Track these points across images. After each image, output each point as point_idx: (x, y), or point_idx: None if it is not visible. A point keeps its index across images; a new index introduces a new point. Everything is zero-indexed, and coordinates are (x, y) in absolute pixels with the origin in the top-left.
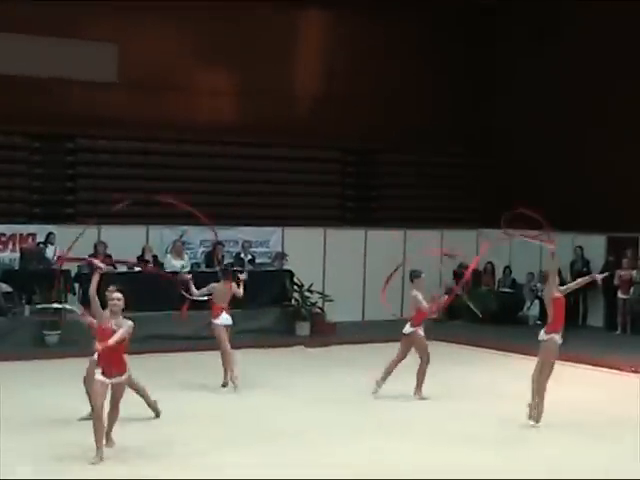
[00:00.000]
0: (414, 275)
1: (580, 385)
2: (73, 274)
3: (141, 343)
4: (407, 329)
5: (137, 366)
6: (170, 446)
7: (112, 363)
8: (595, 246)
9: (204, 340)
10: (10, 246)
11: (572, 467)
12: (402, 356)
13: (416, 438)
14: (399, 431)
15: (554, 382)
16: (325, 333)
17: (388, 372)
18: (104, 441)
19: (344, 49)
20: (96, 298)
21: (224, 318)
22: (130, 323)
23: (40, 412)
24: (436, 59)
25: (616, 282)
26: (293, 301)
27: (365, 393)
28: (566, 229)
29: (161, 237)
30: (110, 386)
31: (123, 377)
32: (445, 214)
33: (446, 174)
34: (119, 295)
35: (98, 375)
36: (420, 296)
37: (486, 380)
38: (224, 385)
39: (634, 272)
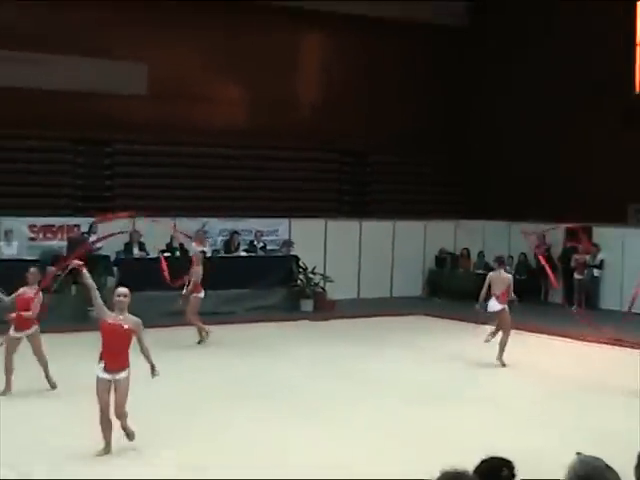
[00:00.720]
0: (501, 260)
1: (542, 351)
2: (112, 259)
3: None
4: (497, 306)
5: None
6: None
7: (116, 358)
8: (554, 233)
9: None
10: (59, 235)
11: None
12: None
13: (396, 393)
14: (383, 384)
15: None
16: (326, 309)
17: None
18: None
19: (340, 64)
20: (96, 290)
21: (202, 293)
22: (139, 321)
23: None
24: (418, 73)
25: (573, 265)
26: (299, 282)
27: (357, 357)
28: (529, 219)
29: (186, 227)
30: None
31: (124, 374)
32: (428, 207)
33: (428, 172)
34: (125, 291)
35: (100, 372)
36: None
37: (466, 346)
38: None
39: (587, 257)
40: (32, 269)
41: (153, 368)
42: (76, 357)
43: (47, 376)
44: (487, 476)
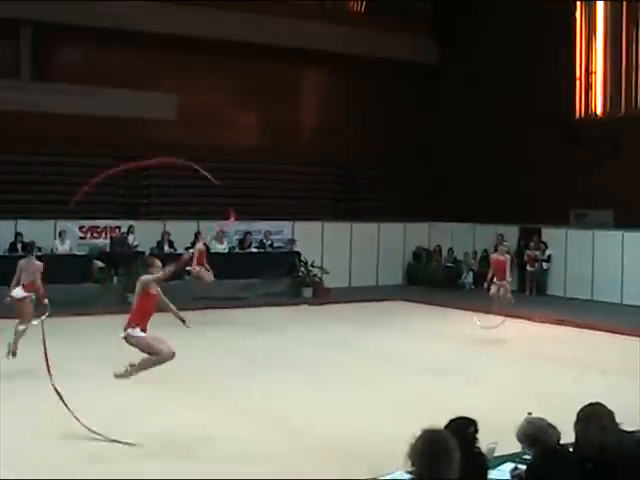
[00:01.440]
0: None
1: (500, 330)
2: (147, 254)
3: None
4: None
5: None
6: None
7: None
8: (511, 233)
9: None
10: (103, 235)
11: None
12: None
13: (380, 365)
14: (370, 354)
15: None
16: (323, 295)
17: None
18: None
19: (334, 95)
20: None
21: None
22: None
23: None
24: (398, 101)
25: (525, 259)
26: (300, 273)
27: (350, 334)
28: (490, 222)
29: (208, 228)
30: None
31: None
32: (406, 211)
33: (406, 183)
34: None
35: (139, 332)
36: None
37: (439, 325)
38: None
39: (537, 252)
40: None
41: (184, 320)
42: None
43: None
44: (456, 433)
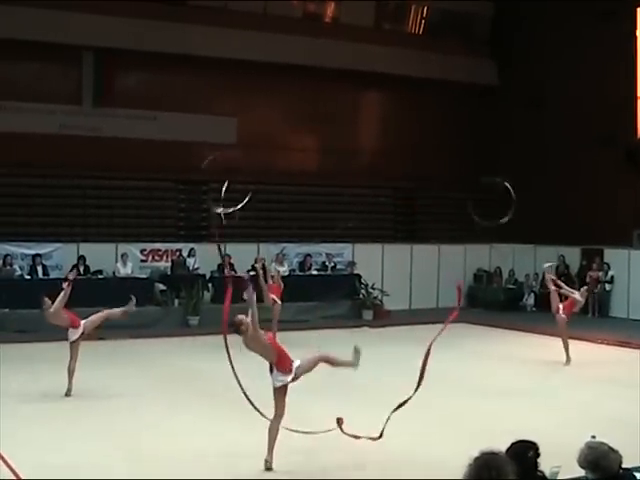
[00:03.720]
0: None
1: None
2: (208, 277)
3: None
4: None
5: None
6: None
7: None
8: (572, 254)
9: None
10: (164, 258)
11: None
12: None
13: (447, 388)
14: (433, 377)
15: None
16: (383, 318)
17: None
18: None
19: (393, 118)
20: None
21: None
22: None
23: (189, 371)
24: (456, 123)
25: (588, 280)
26: (360, 295)
27: (411, 356)
28: (551, 243)
29: (267, 251)
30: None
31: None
32: (466, 233)
33: (463, 204)
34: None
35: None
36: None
37: (502, 348)
38: None
39: (600, 273)
40: None
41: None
42: (180, 355)
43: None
44: (517, 457)
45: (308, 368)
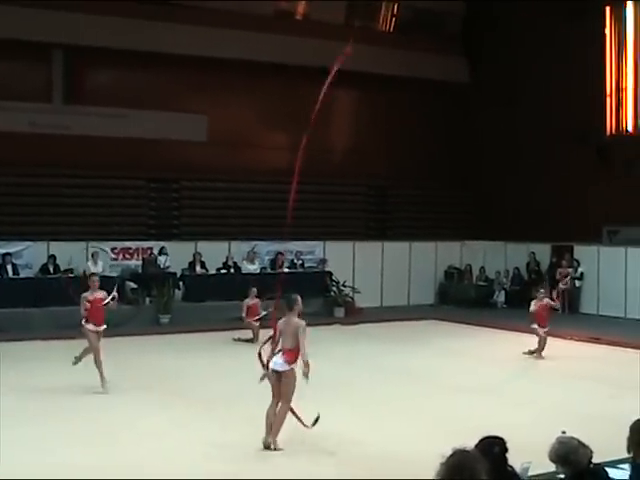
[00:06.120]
0: None
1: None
2: (179, 275)
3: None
4: None
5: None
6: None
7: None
8: (543, 251)
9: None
10: (135, 256)
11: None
12: None
13: (418, 385)
14: (403, 374)
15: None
16: (354, 315)
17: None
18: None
19: (365, 115)
20: None
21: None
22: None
23: (159, 370)
24: (428, 120)
25: (558, 276)
26: (332, 293)
27: (381, 353)
28: (522, 240)
29: (239, 249)
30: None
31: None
32: (437, 231)
33: (437, 202)
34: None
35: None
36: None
37: (474, 345)
38: None
39: (570, 270)
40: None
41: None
42: (152, 353)
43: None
44: (484, 453)
45: (290, 386)
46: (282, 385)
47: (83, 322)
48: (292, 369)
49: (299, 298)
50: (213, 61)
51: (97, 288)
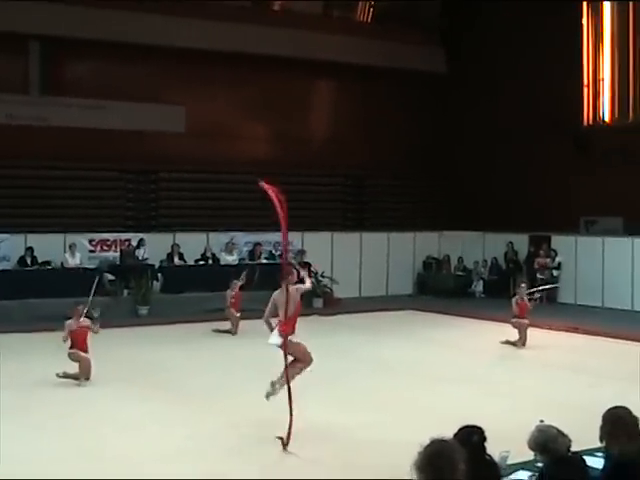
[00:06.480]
0: None
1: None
2: (157, 267)
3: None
4: None
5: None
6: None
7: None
8: (520, 241)
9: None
10: (113, 248)
11: None
12: None
13: (398, 375)
14: (382, 364)
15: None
16: (333, 306)
17: None
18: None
19: (344, 105)
20: None
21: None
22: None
23: (138, 362)
24: (406, 111)
25: (536, 266)
26: (309, 284)
27: (360, 344)
28: (500, 230)
29: (217, 240)
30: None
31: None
32: (415, 221)
33: (415, 192)
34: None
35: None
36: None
37: (452, 334)
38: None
39: (547, 260)
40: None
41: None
42: (130, 345)
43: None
44: (463, 442)
45: (295, 351)
46: (294, 353)
47: (69, 349)
48: (290, 340)
49: (292, 269)
50: (191, 52)
51: (82, 317)
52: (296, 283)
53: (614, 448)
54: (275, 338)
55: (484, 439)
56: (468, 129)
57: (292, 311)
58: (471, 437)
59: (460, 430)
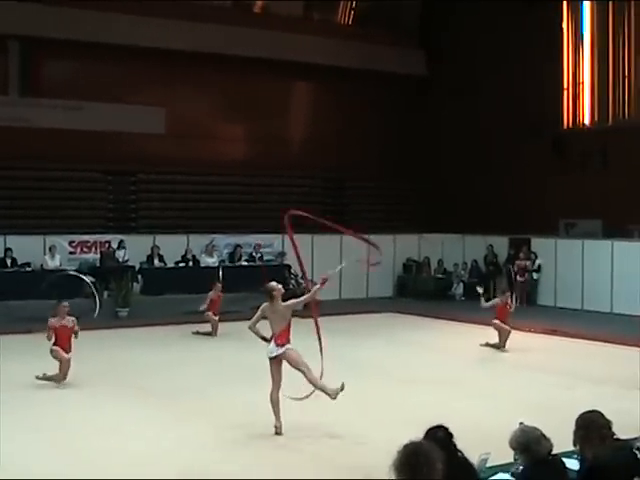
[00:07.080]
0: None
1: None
2: (137, 268)
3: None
4: None
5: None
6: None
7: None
8: (500, 243)
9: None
10: (93, 249)
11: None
12: None
13: (378, 377)
14: (363, 367)
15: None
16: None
17: None
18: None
19: (322, 109)
20: None
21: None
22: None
23: (117, 363)
24: (386, 114)
25: (515, 269)
26: (290, 286)
27: (340, 346)
28: (480, 232)
29: (197, 242)
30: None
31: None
32: (395, 223)
33: (394, 195)
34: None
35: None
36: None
37: (432, 336)
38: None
39: (527, 262)
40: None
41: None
42: (110, 347)
43: None
44: (430, 439)
45: (292, 361)
46: (291, 363)
47: (52, 345)
48: (287, 349)
49: (275, 284)
50: (171, 53)
51: (66, 315)
52: (290, 298)
53: (588, 452)
54: (272, 349)
55: (450, 435)
56: (448, 131)
57: (283, 326)
58: (436, 433)
59: (427, 431)
